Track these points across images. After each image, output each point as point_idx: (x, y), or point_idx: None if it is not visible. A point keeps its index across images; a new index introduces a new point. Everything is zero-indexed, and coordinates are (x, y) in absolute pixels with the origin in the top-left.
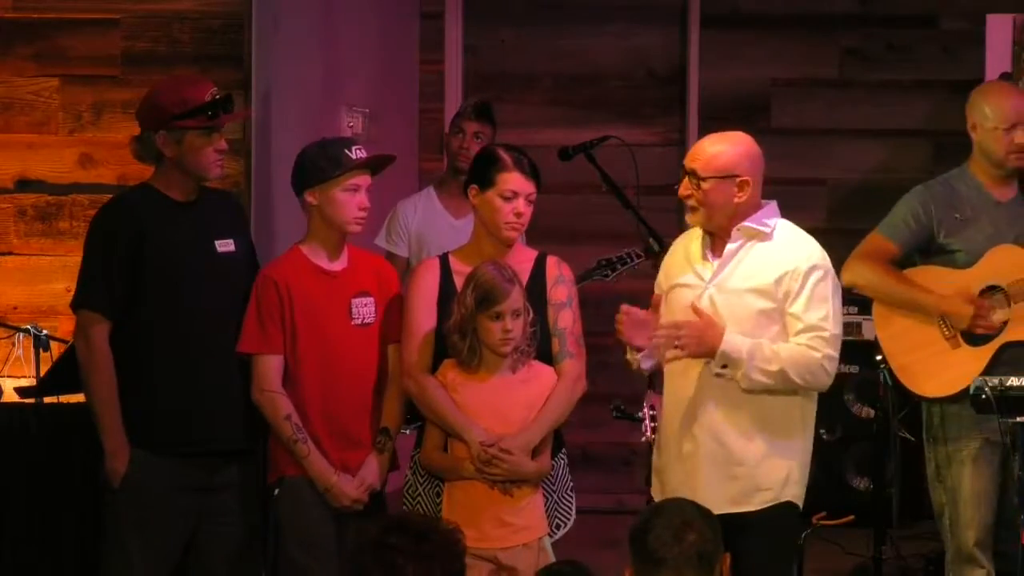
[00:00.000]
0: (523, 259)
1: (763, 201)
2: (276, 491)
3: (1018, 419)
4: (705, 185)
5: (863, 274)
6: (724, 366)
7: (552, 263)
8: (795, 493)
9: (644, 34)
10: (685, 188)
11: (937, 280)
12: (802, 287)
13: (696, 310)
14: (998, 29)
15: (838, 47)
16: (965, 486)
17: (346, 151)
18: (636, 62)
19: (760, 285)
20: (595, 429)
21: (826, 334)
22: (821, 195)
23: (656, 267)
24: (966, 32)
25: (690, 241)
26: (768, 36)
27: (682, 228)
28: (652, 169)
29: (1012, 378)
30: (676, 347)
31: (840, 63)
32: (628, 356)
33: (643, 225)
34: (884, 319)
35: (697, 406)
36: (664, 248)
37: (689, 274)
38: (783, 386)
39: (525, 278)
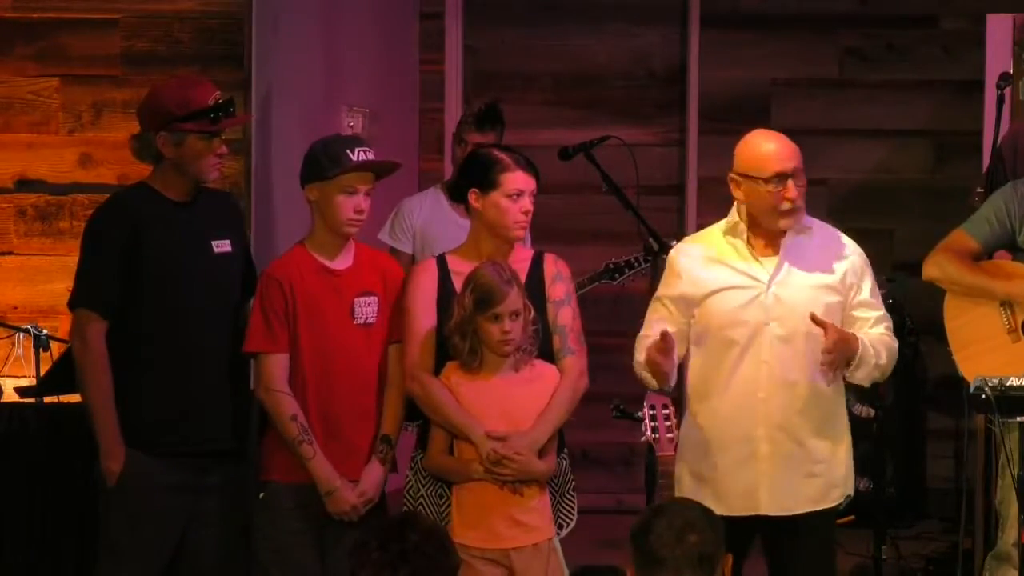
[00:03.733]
0: (520, 258)
1: None
2: (260, 495)
3: (1018, 419)
4: (804, 181)
5: (944, 267)
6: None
7: (549, 260)
8: (852, 486)
9: (644, 34)
10: (795, 190)
11: (1011, 272)
12: (863, 278)
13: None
14: (998, 29)
15: (838, 47)
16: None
17: (348, 151)
18: (636, 62)
19: (827, 280)
20: (595, 429)
21: (890, 322)
22: (821, 195)
23: (655, 267)
24: (966, 32)
25: (711, 246)
26: (768, 36)
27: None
28: (652, 169)
29: (1012, 378)
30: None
31: (840, 63)
32: (647, 379)
33: (643, 225)
34: (954, 310)
35: (770, 409)
36: (663, 248)
37: (738, 276)
38: (878, 376)
39: (523, 276)
